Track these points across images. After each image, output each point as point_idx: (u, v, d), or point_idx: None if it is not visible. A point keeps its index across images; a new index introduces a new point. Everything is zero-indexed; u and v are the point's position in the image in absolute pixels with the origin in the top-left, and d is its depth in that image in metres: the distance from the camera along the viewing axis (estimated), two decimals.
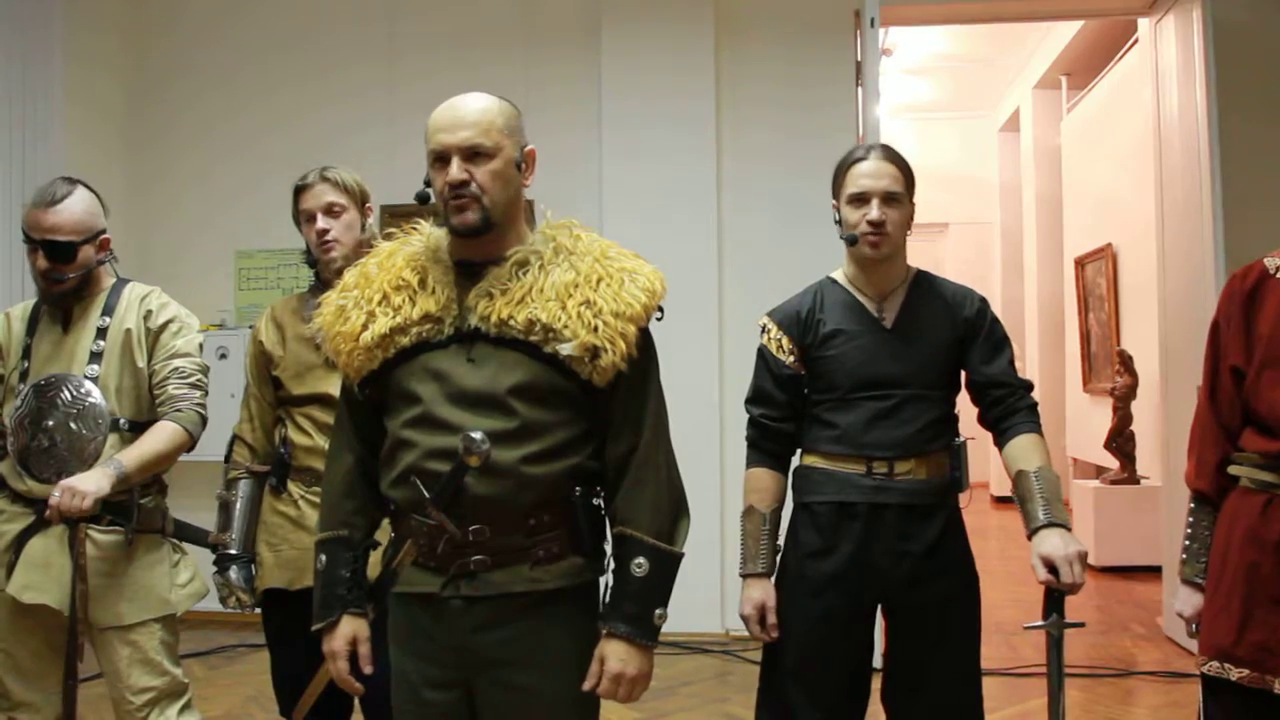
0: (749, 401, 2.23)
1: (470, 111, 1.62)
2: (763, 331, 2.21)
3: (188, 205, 5.20)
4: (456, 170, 1.59)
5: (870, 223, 2.08)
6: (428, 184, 1.67)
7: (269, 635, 2.44)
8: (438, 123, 1.62)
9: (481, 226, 1.61)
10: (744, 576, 2.16)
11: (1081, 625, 2.05)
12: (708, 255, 4.73)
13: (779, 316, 2.20)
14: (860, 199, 2.09)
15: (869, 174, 2.10)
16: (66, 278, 2.33)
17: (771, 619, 2.11)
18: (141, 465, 2.27)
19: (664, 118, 4.75)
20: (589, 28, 4.88)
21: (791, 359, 2.15)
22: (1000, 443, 2.12)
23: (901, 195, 2.11)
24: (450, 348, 1.62)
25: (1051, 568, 1.90)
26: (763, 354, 2.20)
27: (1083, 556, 1.90)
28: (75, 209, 2.33)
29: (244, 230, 5.13)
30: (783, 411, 2.18)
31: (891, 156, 2.13)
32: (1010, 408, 2.11)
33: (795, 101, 4.78)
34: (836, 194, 2.17)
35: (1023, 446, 2.06)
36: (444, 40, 5.02)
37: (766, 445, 2.20)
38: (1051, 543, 1.91)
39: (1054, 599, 1.96)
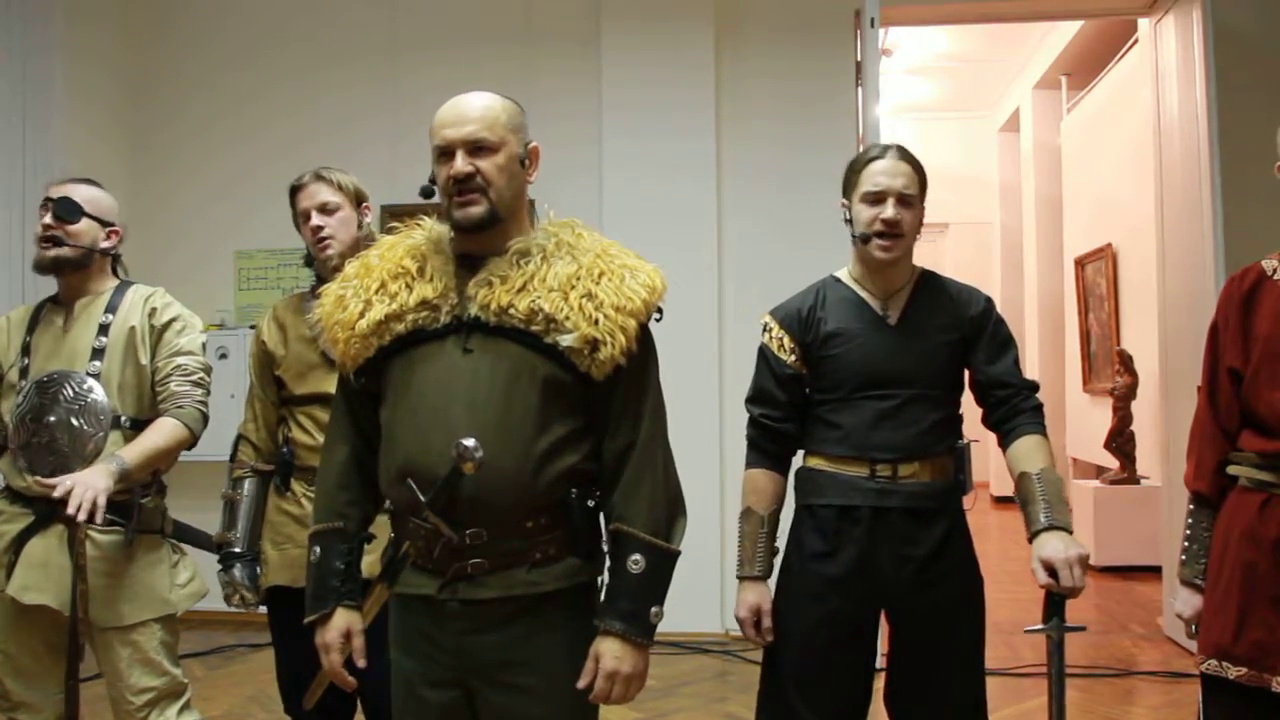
0: (750, 401, 2.21)
1: (474, 108, 1.63)
2: (764, 330, 2.19)
3: (187, 206, 5.20)
4: (461, 163, 1.59)
5: (885, 221, 2.05)
6: (433, 181, 1.66)
7: (274, 633, 2.46)
8: (442, 119, 1.63)
9: (486, 219, 1.61)
10: (740, 579, 2.15)
11: (1082, 629, 2.03)
12: (708, 255, 4.73)
13: (780, 315, 2.18)
14: (876, 198, 2.06)
15: (886, 172, 2.07)
16: (65, 243, 2.34)
17: (767, 623, 2.10)
18: (143, 461, 2.26)
19: (664, 118, 4.75)
20: (589, 29, 4.88)
21: (793, 358, 2.13)
22: (1004, 444, 2.10)
23: (915, 197, 2.09)
24: (448, 339, 1.61)
25: (1052, 571, 1.88)
26: (764, 353, 2.18)
27: (1083, 560, 1.88)
28: (94, 190, 2.42)
29: (243, 230, 5.13)
30: (784, 412, 2.16)
31: (908, 157, 2.11)
32: (1015, 408, 2.10)
33: (795, 101, 4.78)
34: (848, 192, 2.14)
35: (1026, 448, 2.04)
36: (445, 47, 5.02)
37: (767, 446, 2.19)
38: (1052, 546, 1.89)
39: (1054, 602, 1.95)
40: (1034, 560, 1.91)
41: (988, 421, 2.16)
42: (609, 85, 4.82)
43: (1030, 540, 1.95)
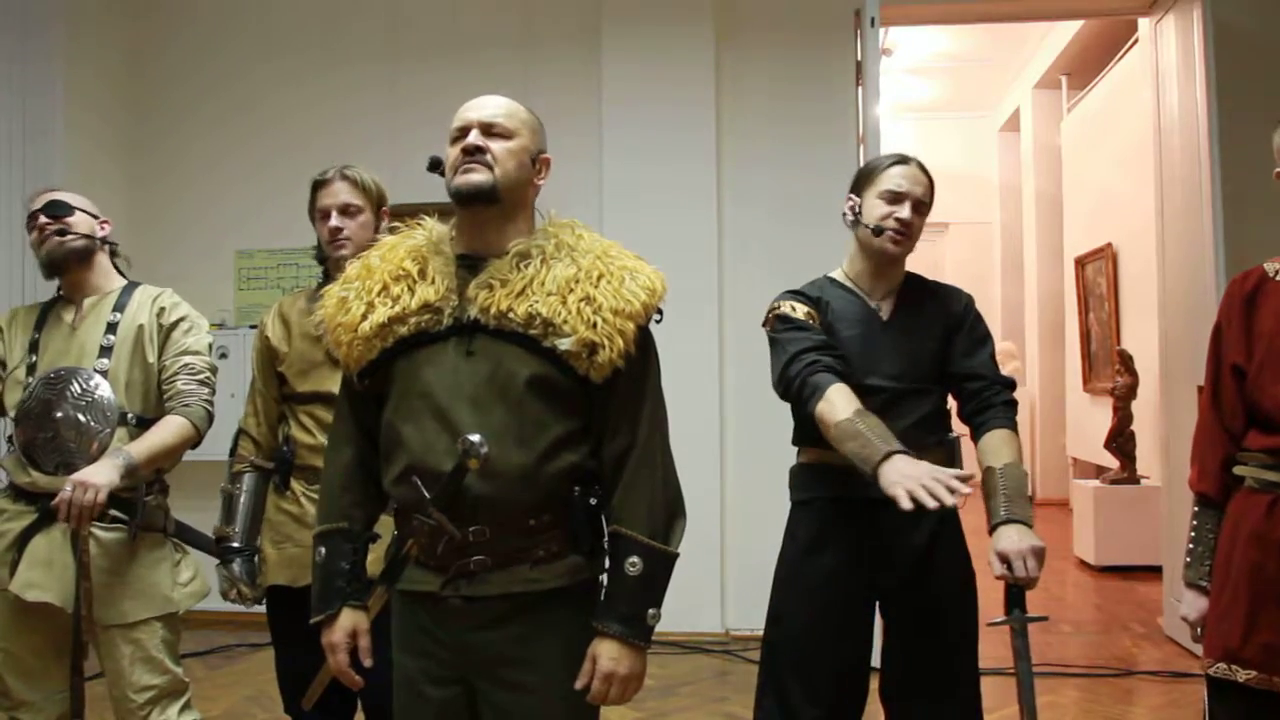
0: (803, 352, 2.04)
1: (497, 99, 1.69)
2: (775, 310, 2.17)
3: (187, 206, 5.20)
4: (473, 137, 1.62)
5: (900, 220, 2.12)
6: (440, 165, 1.68)
7: (273, 633, 2.46)
8: (464, 107, 1.67)
9: (487, 190, 1.61)
10: (885, 457, 1.83)
11: (1044, 619, 2.06)
12: (708, 255, 4.73)
13: (796, 297, 2.19)
14: (895, 197, 2.13)
15: (908, 177, 2.15)
16: (67, 232, 2.38)
17: (959, 485, 1.76)
18: (149, 457, 2.28)
19: (664, 117, 4.75)
20: (589, 29, 4.88)
21: (817, 325, 2.13)
22: (974, 437, 2.14)
23: (926, 209, 2.17)
24: (450, 340, 1.62)
25: (1008, 563, 1.91)
26: (788, 320, 2.13)
27: (1038, 552, 1.91)
28: (73, 194, 2.46)
29: (243, 230, 5.13)
30: (835, 349, 2.07)
31: (927, 172, 2.20)
32: (986, 401, 2.13)
33: (795, 101, 4.78)
34: (859, 189, 2.19)
35: (993, 442, 2.08)
36: (444, 49, 5.02)
37: (837, 366, 2.02)
38: (1008, 538, 1.93)
39: (1014, 594, 1.99)
40: (990, 553, 1.95)
41: (961, 414, 2.20)
42: (609, 85, 4.81)
43: (990, 533, 1.99)
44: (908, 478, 1.73)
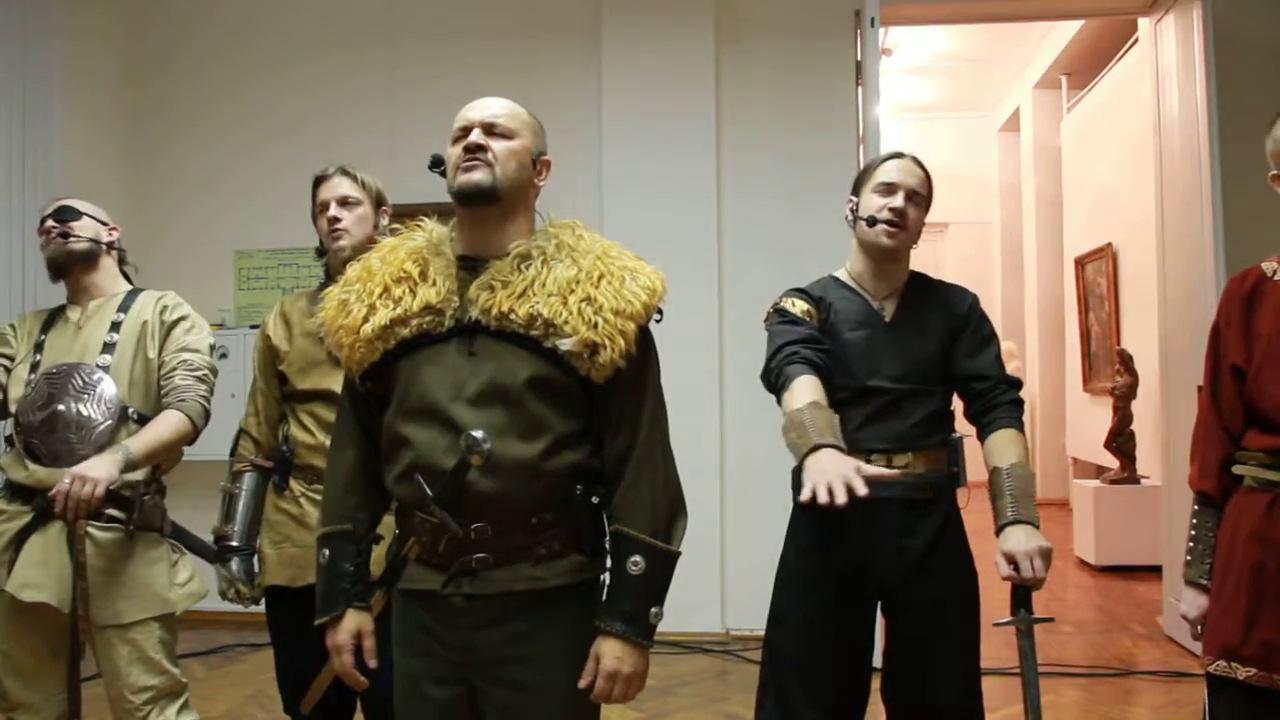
0: (791, 344, 2.05)
1: (498, 100, 1.69)
2: (777, 305, 2.18)
3: (187, 205, 5.20)
4: (475, 135, 1.63)
5: (893, 210, 2.13)
6: (442, 164, 1.69)
7: (272, 633, 2.46)
8: (466, 107, 1.68)
9: (488, 189, 1.61)
10: (815, 447, 1.81)
11: (1050, 620, 2.06)
12: (708, 255, 4.73)
13: (798, 294, 2.20)
14: (888, 189, 2.15)
15: (901, 169, 2.18)
16: (73, 234, 2.42)
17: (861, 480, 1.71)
18: (148, 452, 2.30)
19: (664, 117, 4.74)
20: (589, 28, 4.88)
21: (815, 323, 2.13)
22: (980, 438, 2.14)
23: (922, 199, 2.18)
24: (451, 341, 1.62)
25: (1015, 564, 1.91)
26: (785, 314, 2.14)
27: (1044, 552, 1.92)
28: (83, 201, 2.51)
29: (243, 230, 5.13)
30: (823, 345, 2.07)
31: (921, 165, 2.21)
32: (991, 401, 2.13)
33: (795, 101, 4.78)
34: (858, 189, 2.21)
35: (999, 443, 2.08)
36: (444, 46, 5.02)
37: (816, 358, 2.01)
38: (1014, 539, 1.93)
39: (1020, 595, 1.99)
40: (997, 553, 1.95)
41: (967, 414, 2.20)
42: (609, 72, 4.81)
43: (996, 534, 1.99)
44: (824, 472, 1.69)
